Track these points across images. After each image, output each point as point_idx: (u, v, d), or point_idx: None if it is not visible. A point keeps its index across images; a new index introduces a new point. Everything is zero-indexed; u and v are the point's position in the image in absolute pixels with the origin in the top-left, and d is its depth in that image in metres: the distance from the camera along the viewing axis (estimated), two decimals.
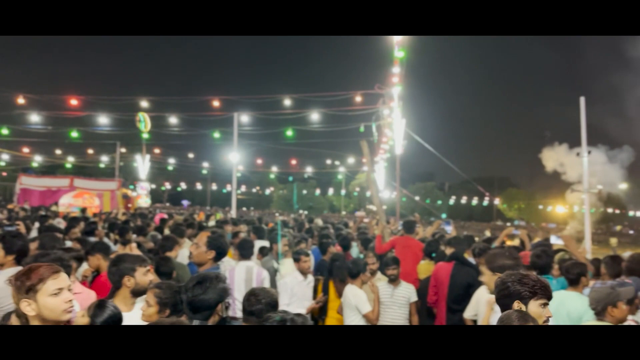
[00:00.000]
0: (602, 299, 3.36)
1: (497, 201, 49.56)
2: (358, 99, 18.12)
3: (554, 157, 31.02)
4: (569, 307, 4.09)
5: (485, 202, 52.03)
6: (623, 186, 44.89)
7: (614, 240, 22.58)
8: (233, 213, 20.86)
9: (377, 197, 7.96)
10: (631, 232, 45.62)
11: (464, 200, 58.08)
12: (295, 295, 5.46)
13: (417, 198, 48.67)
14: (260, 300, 3.07)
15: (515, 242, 8.61)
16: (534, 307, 2.40)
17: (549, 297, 2.48)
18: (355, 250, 8.29)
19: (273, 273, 6.15)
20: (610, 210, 48.13)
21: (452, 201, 60.09)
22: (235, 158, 22.64)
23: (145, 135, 25.38)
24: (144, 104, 23.22)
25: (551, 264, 5.07)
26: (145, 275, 3.37)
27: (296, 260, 5.75)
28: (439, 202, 58.42)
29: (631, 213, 54.44)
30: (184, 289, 2.88)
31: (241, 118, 22.26)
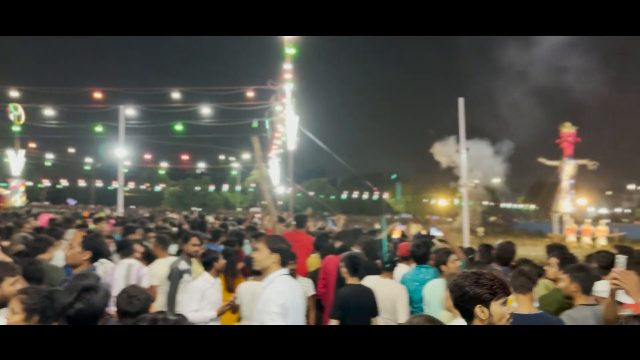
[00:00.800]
0: None
1: (386, 195, 51.97)
2: (250, 94, 18.02)
3: (444, 152, 33.10)
4: (439, 294, 4.37)
5: (376, 197, 54.35)
6: (497, 180, 49.18)
7: (480, 230, 24.63)
8: (120, 211, 19.80)
9: (268, 193, 7.98)
10: (503, 222, 50.07)
11: (355, 195, 60.18)
12: (207, 298, 5.06)
13: (311, 193, 49.49)
14: (133, 301, 2.93)
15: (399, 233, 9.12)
16: (495, 307, 2.29)
17: (508, 293, 2.38)
18: (247, 247, 8.25)
19: (178, 275, 5.76)
20: (485, 202, 52.39)
21: (344, 196, 61.96)
22: (121, 153, 21.47)
23: (16, 128, 23.20)
24: (15, 93, 21.21)
25: (429, 254, 5.42)
26: (13, 286, 3.13)
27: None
28: (332, 197, 59.98)
29: (502, 205, 59.74)
30: (62, 300, 2.67)
31: (128, 111, 21.17)
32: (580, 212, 34.42)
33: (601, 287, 3.56)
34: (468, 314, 2.35)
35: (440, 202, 46.25)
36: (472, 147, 36.33)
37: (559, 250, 4.39)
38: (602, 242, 25.09)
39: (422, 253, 5.31)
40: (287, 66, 16.54)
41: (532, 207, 54.44)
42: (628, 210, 65.14)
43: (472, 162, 35.59)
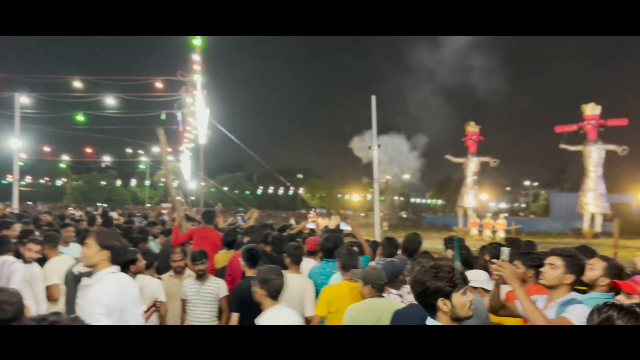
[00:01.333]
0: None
1: (301, 191, 52.29)
2: (159, 85, 17.25)
3: (363, 147, 33.68)
4: None
5: (291, 192, 54.49)
6: (407, 176, 50.81)
7: (385, 224, 25.52)
8: (15, 207, 18.29)
9: (174, 187, 7.66)
10: (413, 216, 52.18)
11: (271, 190, 60.00)
12: None
13: (225, 189, 48.65)
14: (4, 307, 2.64)
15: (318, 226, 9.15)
16: (457, 298, 2.31)
17: (467, 282, 2.41)
18: (152, 244, 7.88)
19: (73, 279, 4.98)
20: (396, 197, 54.24)
21: (260, 191, 61.58)
22: (17, 144, 19.90)
23: None
24: None
25: (336, 247, 5.45)
26: None
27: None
28: (247, 192, 59.39)
29: (412, 200, 62.27)
30: None
31: (24, 99, 19.59)
32: (482, 207, 36.66)
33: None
34: (431, 308, 2.37)
35: (354, 197, 47.27)
36: (390, 143, 37.48)
37: (455, 242, 4.57)
38: (501, 235, 26.84)
39: (330, 247, 5.34)
40: (196, 57, 16.01)
41: (440, 201, 57.16)
42: (524, 205, 70.36)
43: (389, 157, 36.85)
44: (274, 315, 3.53)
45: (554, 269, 3.05)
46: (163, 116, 17.91)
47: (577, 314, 2.79)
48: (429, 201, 66.09)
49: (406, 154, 36.60)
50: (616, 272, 3.36)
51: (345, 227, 7.83)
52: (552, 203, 40.68)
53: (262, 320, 3.54)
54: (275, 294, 3.62)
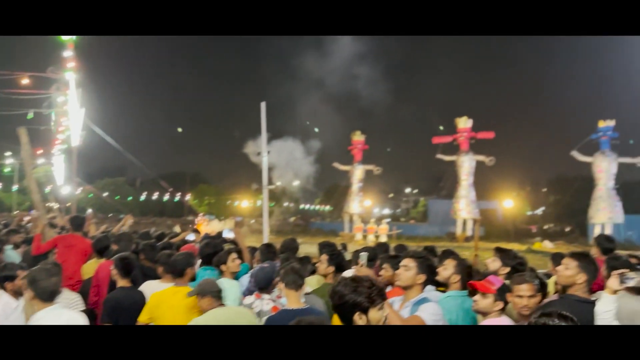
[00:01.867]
0: None
1: (188, 197, 50.72)
2: (26, 81, 15.65)
3: (256, 150, 33.28)
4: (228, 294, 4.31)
5: (178, 198, 52.63)
6: (297, 182, 51.39)
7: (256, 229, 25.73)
8: None
9: (37, 192, 7.02)
10: (301, 222, 52.82)
11: (156, 196, 57.45)
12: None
13: (105, 194, 45.76)
14: None
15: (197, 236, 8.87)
16: (373, 314, 2.35)
17: (385, 298, 2.45)
18: (11, 254, 7.14)
19: None
20: (286, 203, 54.66)
21: (143, 197, 58.68)
22: None
23: None
24: None
25: (216, 253, 5.34)
26: None
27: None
28: (130, 198, 56.31)
29: (301, 206, 63.09)
30: None
31: None
32: (366, 213, 38.14)
33: None
34: (347, 320, 2.40)
35: (244, 203, 46.85)
36: (284, 149, 37.56)
37: (328, 248, 4.69)
38: (383, 239, 28.07)
39: (209, 253, 5.22)
40: (68, 53, 14.78)
41: (328, 207, 58.56)
42: (406, 211, 74.42)
43: (284, 161, 37.04)
44: (44, 317, 3.19)
45: (407, 270, 3.22)
46: (30, 115, 16.30)
47: (429, 312, 2.97)
48: (317, 207, 67.46)
49: (300, 159, 37.15)
50: (466, 270, 3.63)
51: (229, 235, 7.70)
52: (430, 209, 43.52)
53: (32, 323, 3.20)
54: (46, 295, 3.26)
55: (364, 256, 3.19)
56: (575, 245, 26.18)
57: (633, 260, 5.02)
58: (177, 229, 25.42)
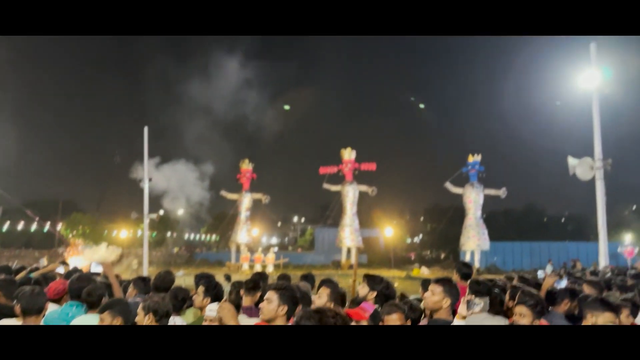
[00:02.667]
0: None
1: (60, 226, 46.67)
2: None
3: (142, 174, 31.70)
4: None
5: (47, 228, 48.14)
6: (181, 211, 49.61)
7: (134, 262, 24.81)
8: None
9: None
10: (185, 252, 50.90)
11: (21, 226, 52.13)
12: None
13: None
14: None
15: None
16: None
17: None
18: None
19: None
20: (169, 234, 52.47)
21: (6, 227, 52.95)
22: None
23: None
24: None
25: (83, 288, 4.93)
26: None
27: None
28: None
29: (186, 236, 60.92)
30: None
31: None
32: (254, 242, 37.81)
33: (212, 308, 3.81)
34: None
35: (122, 233, 44.17)
36: (174, 174, 36.02)
37: (205, 279, 4.54)
38: (270, 269, 27.93)
39: (77, 288, 4.80)
40: None
41: (214, 237, 57.19)
42: (293, 239, 74.95)
43: (176, 186, 35.52)
44: None
45: (269, 304, 3.19)
46: None
47: None
48: (203, 237, 65.58)
49: (192, 184, 35.98)
50: (339, 298, 3.71)
51: (97, 268, 7.15)
52: (317, 237, 44.27)
53: None
54: None
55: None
56: (449, 271, 28.04)
57: (503, 281, 5.47)
58: (44, 261, 23.29)
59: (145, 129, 25.30)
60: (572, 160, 13.34)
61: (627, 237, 40.88)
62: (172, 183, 35.06)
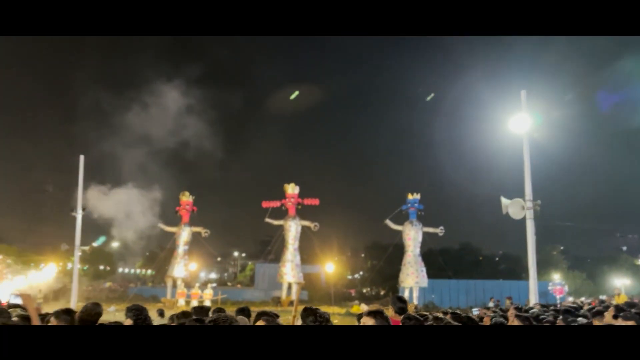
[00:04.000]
0: None
1: None
2: None
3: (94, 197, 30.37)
4: None
5: None
6: (116, 244, 47.59)
7: (40, 297, 23.79)
8: None
9: None
10: (118, 287, 48.62)
11: None
12: None
13: None
14: None
15: None
16: None
17: None
18: None
19: None
20: (101, 267, 50.08)
21: None
22: None
23: None
24: None
25: None
26: None
27: None
28: None
29: (120, 270, 58.35)
30: None
31: None
32: (191, 277, 36.66)
33: None
34: None
35: (49, 267, 41.73)
36: (126, 197, 34.43)
37: (135, 312, 4.35)
38: (207, 305, 27.08)
39: None
40: None
41: (150, 271, 55.05)
42: (233, 275, 73.35)
43: (125, 211, 34.05)
44: None
45: None
46: None
47: None
48: (138, 271, 62.99)
49: (137, 213, 34.65)
50: None
51: (16, 300, 6.70)
52: (257, 273, 43.57)
53: None
54: None
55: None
56: (387, 307, 28.23)
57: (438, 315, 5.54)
58: None
59: (81, 158, 24.42)
60: (504, 201, 13.96)
61: (556, 276, 42.90)
62: (120, 210, 33.75)
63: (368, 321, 3.53)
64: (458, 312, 6.36)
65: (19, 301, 5.39)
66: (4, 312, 5.05)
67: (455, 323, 4.07)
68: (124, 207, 34.49)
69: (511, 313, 6.09)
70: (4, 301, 7.64)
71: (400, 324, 3.91)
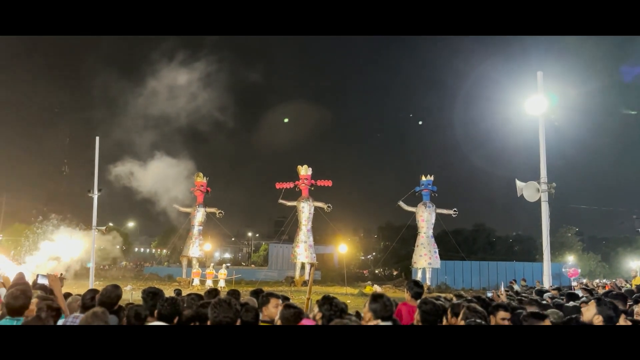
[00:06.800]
0: None
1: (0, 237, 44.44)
2: None
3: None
4: None
5: None
6: (131, 224, 48.06)
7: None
8: None
9: None
10: (134, 266, 49.46)
11: None
12: None
13: None
14: None
15: None
16: None
17: None
18: None
19: None
20: (118, 246, 50.79)
21: None
22: None
23: None
24: None
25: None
26: None
27: None
28: None
29: (137, 249, 59.20)
30: None
31: None
32: (206, 257, 37.13)
33: None
34: None
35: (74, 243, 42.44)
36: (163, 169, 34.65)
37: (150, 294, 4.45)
38: (221, 284, 27.46)
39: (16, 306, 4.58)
40: None
41: (165, 251, 55.84)
42: (247, 255, 74.10)
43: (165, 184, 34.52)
44: None
45: None
46: None
47: None
48: (153, 250, 63.92)
49: (172, 182, 34.92)
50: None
51: (43, 281, 6.88)
52: (271, 253, 43.93)
53: None
54: None
55: None
56: (401, 288, 28.38)
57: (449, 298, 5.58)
58: None
59: (97, 139, 24.61)
60: (519, 183, 13.85)
61: (570, 258, 42.65)
62: (158, 180, 34.12)
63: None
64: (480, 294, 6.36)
65: (45, 282, 5.52)
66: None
67: (469, 303, 4.11)
68: (146, 186, 34.81)
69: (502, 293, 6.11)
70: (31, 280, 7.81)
71: (417, 308, 3.96)
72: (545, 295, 7.99)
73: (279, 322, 3.70)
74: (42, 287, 6.01)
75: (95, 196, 24.57)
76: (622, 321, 4.04)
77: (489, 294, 12.63)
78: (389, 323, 3.62)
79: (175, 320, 4.05)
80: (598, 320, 3.87)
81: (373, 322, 3.58)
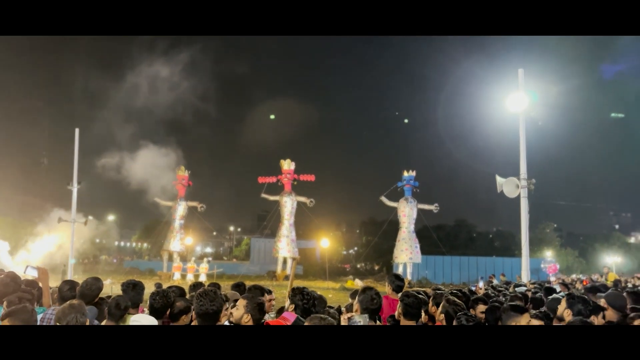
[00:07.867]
0: None
1: None
2: None
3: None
4: None
5: None
6: (111, 217, 47.52)
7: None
8: None
9: None
10: (114, 260, 48.91)
11: None
12: None
13: None
14: None
15: None
16: None
17: None
18: None
19: None
20: (98, 240, 50.18)
21: None
22: None
23: None
24: None
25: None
26: None
27: None
28: None
29: (116, 243, 58.56)
30: None
31: None
32: (187, 251, 36.90)
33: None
34: None
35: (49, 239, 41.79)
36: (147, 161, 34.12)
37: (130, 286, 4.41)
38: (202, 278, 27.32)
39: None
40: None
41: (146, 245, 55.33)
42: (228, 249, 73.83)
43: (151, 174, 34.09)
44: None
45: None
46: None
47: None
48: (134, 244, 63.32)
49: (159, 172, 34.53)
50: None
51: (32, 273, 6.76)
52: (253, 247, 43.82)
53: None
54: None
55: None
56: (382, 283, 28.57)
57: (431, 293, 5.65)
58: None
59: (77, 131, 24.27)
60: (499, 179, 14.03)
61: (548, 254, 43.37)
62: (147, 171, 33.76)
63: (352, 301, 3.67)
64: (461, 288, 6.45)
65: (34, 274, 5.40)
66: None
67: (449, 296, 4.17)
68: (128, 179, 34.45)
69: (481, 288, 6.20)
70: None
71: (399, 301, 3.99)
72: (525, 290, 8.11)
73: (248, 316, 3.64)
74: (29, 283, 5.90)
75: (75, 189, 24.27)
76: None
77: (473, 288, 12.77)
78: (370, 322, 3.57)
79: (168, 313, 4.06)
80: (568, 314, 4.02)
81: (355, 315, 3.60)
